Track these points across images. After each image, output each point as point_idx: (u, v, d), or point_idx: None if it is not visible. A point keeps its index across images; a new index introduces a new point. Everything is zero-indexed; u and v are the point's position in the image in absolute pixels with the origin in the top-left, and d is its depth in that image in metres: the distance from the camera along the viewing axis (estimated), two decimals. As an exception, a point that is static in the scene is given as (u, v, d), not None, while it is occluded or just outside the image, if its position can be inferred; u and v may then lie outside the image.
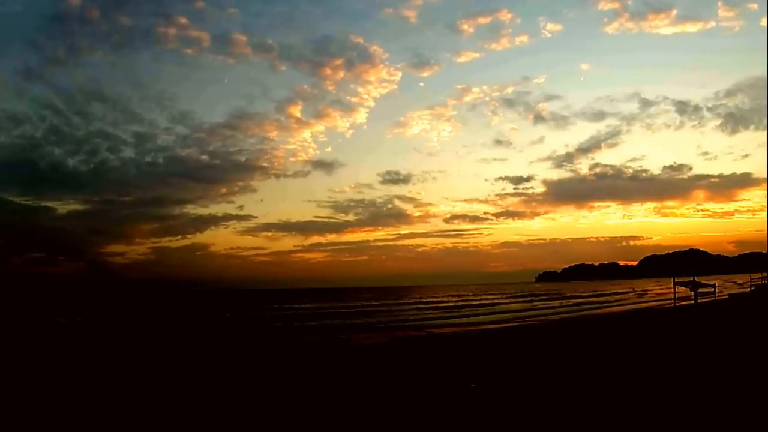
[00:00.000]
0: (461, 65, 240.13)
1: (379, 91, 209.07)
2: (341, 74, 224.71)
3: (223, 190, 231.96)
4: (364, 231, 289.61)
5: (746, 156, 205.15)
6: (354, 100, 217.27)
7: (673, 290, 40.83)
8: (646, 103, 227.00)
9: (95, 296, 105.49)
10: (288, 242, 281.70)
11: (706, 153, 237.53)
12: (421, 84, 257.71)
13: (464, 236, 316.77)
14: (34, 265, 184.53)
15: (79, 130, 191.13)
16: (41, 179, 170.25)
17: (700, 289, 37.78)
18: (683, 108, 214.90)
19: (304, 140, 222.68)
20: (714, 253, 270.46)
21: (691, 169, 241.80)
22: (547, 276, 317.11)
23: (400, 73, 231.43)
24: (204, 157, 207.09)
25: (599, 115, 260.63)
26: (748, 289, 51.16)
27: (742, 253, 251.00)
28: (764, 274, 60.37)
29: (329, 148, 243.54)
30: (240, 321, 45.02)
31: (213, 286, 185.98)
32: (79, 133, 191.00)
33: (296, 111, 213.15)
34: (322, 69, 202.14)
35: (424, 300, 78.86)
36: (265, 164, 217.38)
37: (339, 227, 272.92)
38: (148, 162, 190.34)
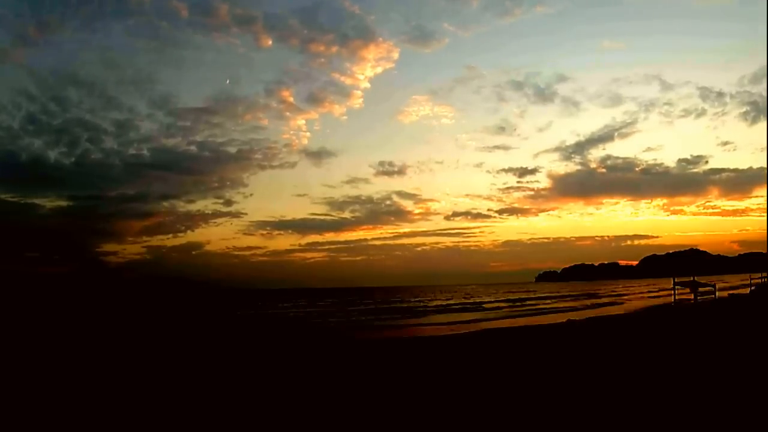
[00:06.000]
0: (466, 40, 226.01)
1: (375, 70, 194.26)
2: (334, 50, 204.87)
3: (214, 184, 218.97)
4: (362, 229, 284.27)
5: (764, 150, 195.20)
6: (348, 81, 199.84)
7: (673, 290, 41.05)
8: (666, 87, 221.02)
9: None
10: (284, 241, 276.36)
11: (725, 143, 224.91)
12: (422, 62, 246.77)
13: (466, 235, 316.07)
14: (32, 265, 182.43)
15: (56, 118, 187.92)
16: (24, 174, 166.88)
17: (700, 289, 38.02)
18: (706, 94, 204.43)
19: (299, 128, 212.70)
20: (714, 253, 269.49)
21: (707, 162, 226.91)
22: (547, 276, 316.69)
23: (398, 50, 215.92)
24: (192, 148, 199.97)
25: (615, 100, 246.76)
26: (748, 289, 51.25)
27: (743, 252, 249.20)
28: (765, 274, 60.40)
29: (322, 138, 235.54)
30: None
31: (220, 287, 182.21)
32: (57, 122, 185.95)
33: (287, 95, 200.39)
34: (312, 44, 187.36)
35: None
36: (257, 156, 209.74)
37: (336, 225, 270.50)
38: (132, 154, 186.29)
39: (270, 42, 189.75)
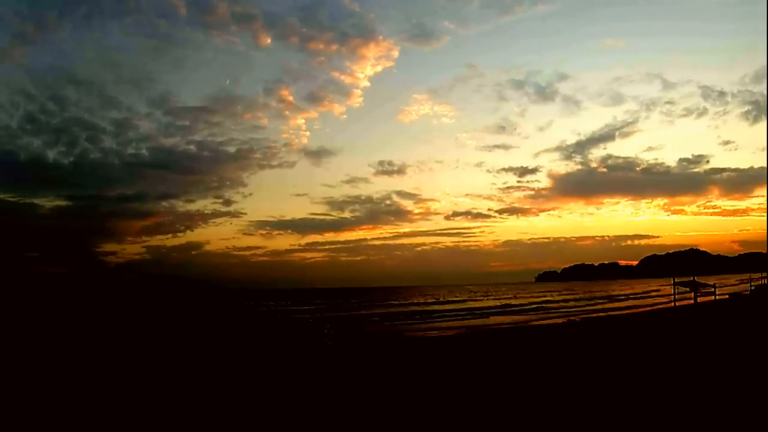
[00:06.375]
0: (467, 38, 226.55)
1: (375, 69, 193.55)
2: (333, 48, 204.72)
3: (213, 184, 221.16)
4: (362, 229, 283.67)
5: (765, 149, 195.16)
6: (348, 80, 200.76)
7: (673, 290, 40.95)
8: (667, 86, 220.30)
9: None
10: (284, 241, 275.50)
11: (726, 143, 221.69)
12: (422, 61, 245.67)
13: (466, 235, 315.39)
14: (32, 265, 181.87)
15: (54, 117, 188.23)
16: (23, 173, 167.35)
17: (700, 289, 37.89)
18: (707, 93, 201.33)
19: (298, 127, 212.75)
20: (714, 253, 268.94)
21: (708, 161, 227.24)
22: (547, 276, 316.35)
23: (398, 49, 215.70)
24: (191, 148, 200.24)
25: (616, 99, 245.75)
26: (748, 290, 51.24)
27: (743, 252, 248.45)
28: (765, 274, 60.37)
29: (321, 137, 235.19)
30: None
31: (220, 287, 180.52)
32: (56, 121, 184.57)
33: (286, 94, 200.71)
34: (311, 43, 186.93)
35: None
36: (256, 155, 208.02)
37: (336, 225, 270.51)
38: (131, 153, 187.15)
39: (269, 40, 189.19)
